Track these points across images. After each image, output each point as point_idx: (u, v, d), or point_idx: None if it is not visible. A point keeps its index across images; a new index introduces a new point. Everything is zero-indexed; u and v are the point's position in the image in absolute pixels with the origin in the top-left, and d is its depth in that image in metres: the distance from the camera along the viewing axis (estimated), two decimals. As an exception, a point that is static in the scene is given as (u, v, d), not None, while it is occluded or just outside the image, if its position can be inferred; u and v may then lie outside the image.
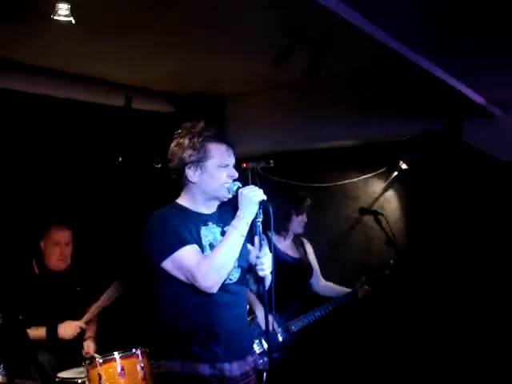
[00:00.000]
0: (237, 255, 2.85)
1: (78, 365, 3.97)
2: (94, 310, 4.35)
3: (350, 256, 5.73)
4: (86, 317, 4.35)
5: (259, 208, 2.84)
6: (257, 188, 2.87)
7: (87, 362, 3.78)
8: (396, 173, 5.61)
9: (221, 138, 2.95)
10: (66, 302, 4.40)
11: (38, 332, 4.14)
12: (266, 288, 2.88)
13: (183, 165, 2.90)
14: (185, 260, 2.78)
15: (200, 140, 2.88)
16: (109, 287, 4.30)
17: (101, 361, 3.69)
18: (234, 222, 2.85)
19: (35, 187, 4.94)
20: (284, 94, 5.53)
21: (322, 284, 4.78)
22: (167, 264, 2.80)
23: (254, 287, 3.30)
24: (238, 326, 2.96)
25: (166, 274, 2.84)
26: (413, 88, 4.92)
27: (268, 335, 2.99)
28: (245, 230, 2.84)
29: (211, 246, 2.88)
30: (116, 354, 3.72)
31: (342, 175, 5.84)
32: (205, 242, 2.89)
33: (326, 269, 4.92)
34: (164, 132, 5.11)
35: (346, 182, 5.84)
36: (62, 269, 4.47)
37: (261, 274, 2.86)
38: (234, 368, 2.89)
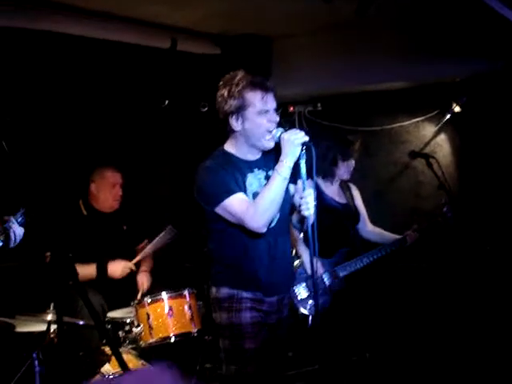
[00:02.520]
0: (281, 198, 3.01)
1: (127, 306, 4.05)
2: (145, 251, 4.40)
3: (400, 201, 5.65)
4: (137, 258, 4.40)
5: (301, 150, 2.93)
6: (298, 130, 2.97)
7: (136, 301, 3.85)
8: (448, 116, 5.46)
9: (257, 84, 3.03)
10: (114, 242, 4.45)
11: (87, 269, 4.17)
12: (310, 229, 2.92)
13: (226, 115, 3.06)
14: (234, 207, 3.00)
15: (237, 90, 3.01)
16: (161, 230, 4.33)
17: (149, 300, 3.76)
18: (277, 167, 2.98)
19: (81, 129, 4.95)
20: (332, 35, 5.36)
21: (369, 229, 4.69)
22: (218, 210, 3.04)
23: (297, 226, 3.33)
24: (277, 265, 3.17)
25: (217, 216, 3.07)
26: (467, 27, 4.73)
27: (314, 278, 3.04)
28: (287, 173, 2.97)
29: (255, 195, 3.09)
30: (164, 294, 3.79)
31: (391, 118, 5.71)
32: (249, 191, 3.11)
33: (374, 214, 4.82)
34: (210, 75, 5.08)
35: (396, 125, 5.71)
36: (115, 209, 4.52)
37: (306, 213, 2.95)
38: (272, 300, 3.18)
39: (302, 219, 3.09)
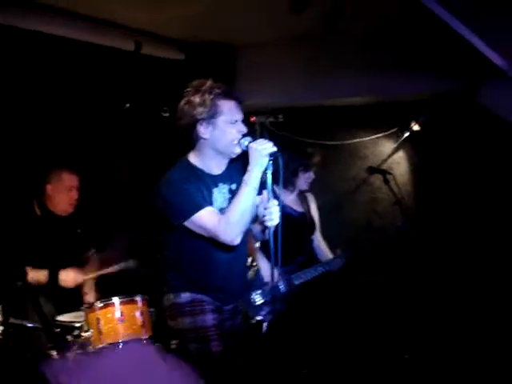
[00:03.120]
0: (251, 208, 3.04)
1: (77, 310, 3.97)
2: (103, 271, 4.34)
3: (355, 216, 5.70)
4: (92, 275, 4.35)
5: (269, 160, 2.95)
6: (266, 141, 2.99)
7: (86, 305, 3.77)
8: (407, 134, 5.53)
9: (230, 94, 3.09)
10: (67, 245, 4.37)
11: (39, 275, 4.09)
12: (273, 239, 2.94)
13: (194, 122, 3.04)
14: (204, 221, 3.01)
15: (210, 97, 3.02)
16: (112, 237, 4.29)
17: (100, 305, 3.68)
18: (245, 177, 3.00)
19: (39, 129, 4.86)
20: (297, 47, 5.39)
21: (318, 244, 4.76)
22: (187, 224, 3.04)
23: (259, 236, 3.34)
24: (235, 274, 3.24)
25: (181, 227, 3.05)
26: (430, 47, 4.81)
27: (273, 288, 3.05)
28: (256, 183, 2.99)
29: (221, 211, 3.09)
30: (115, 299, 3.72)
31: (351, 134, 5.76)
32: (215, 206, 3.11)
33: (330, 228, 4.88)
34: (173, 80, 5.06)
35: (356, 140, 5.76)
36: (69, 213, 4.44)
37: (269, 224, 2.97)
38: (228, 308, 3.25)
39: (264, 229, 3.15)
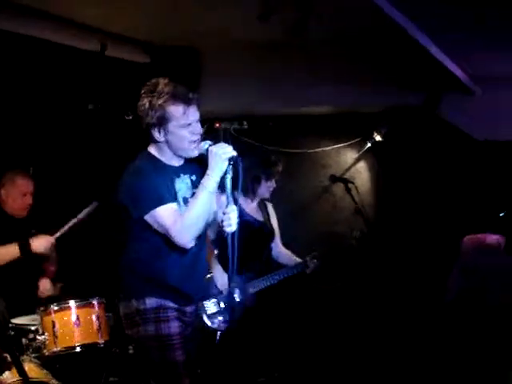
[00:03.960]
0: (208, 212, 3.00)
1: (32, 312, 3.90)
2: (68, 225, 4.26)
3: (317, 224, 5.74)
4: (60, 232, 4.25)
5: (228, 164, 2.90)
6: (226, 145, 2.95)
7: (41, 308, 3.71)
8: (369, 144, 5.59)
9: (179, 97, 2.97)
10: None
11: (9, 249, 4.02)
12: (231, 245, 2.91)
13: (148, 126, 2.99)
14: (162, 218, 2.94)
15: (158, 103, 2.93)
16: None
17: (55, 308, 3.64)
18: (203, 181, 2.94)
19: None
20: (262, 54, 5.37)
21: (279, 250, 4.76)
22: (147, 218, 2.96)
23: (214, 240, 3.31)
24: (197, 275, 3.19)
25: (144, 224, 2.98)
26: (394, 59, 4.86)
27: (230, 295, 3.04)
28: (214, 187, 2.94)
29: (185, 200, 3.05)
30: (72, 303, 3.68)
31: (314, 143, 5.81)
32: (179, 195, 3.05)
33: (290, 235, 4.90)
34: (138, 82, 5.00)
35: (319, 149, 5.81)
36: (23, 216, 4.36)
37: (227, 229, 2.92)
38: (191, 310, 3.19)
39: (221, 234, 3.08)
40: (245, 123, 5.79)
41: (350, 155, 5.75)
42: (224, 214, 2.94)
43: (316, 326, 5.30)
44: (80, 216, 4.25)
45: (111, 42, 4.95)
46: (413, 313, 5.11)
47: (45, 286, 4.28)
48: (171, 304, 3.07)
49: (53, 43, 4.53)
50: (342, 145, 5.75)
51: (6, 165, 4.46)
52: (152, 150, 3.10)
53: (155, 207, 2.92)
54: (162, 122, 2.95)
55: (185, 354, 3.05)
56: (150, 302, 3.04)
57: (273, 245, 4.70)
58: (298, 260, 4.64)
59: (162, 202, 2.94)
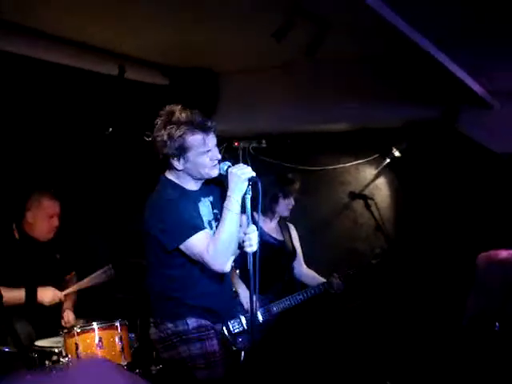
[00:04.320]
0: (236, 233, 3.00)
1: (56, 334, 3.92)
2: (80, 284, 4.29)
3: (337, 241, 5.72)
4: (69, 290, 4.28)
5: (248, 185, 2.94)
6: (245, 166, 2.99)
7: (65, 331, 3.74)
8: (388, 160, 5.57)
9: (197, 127, 3.01)
10: (45, 270, 4.31)
11: (15, 293, 4.02)
12: (251, 266, 2.93)
13: (167, 156, 3.05)
14: (197, 247, 2.98)
15: (177, 134, 2.97)
16: (94, 263, 4.24)
17: (78, 330, 3.66)
18: (226, 204, 2.98)
19: (19, 151, 4.83)
20: (280, 74, 5.43)
21: (302, 270, 4.77)
22: (181, 248, 3.01)
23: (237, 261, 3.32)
24: (223, 294, 3.27)
25: (175, 253, 3.03)
26: (411, 74, 4.86)
27: (253, 315, 3.04)
28: (237, 208, 2.97)
29: (209, 224, 3.12)
30: (95, 325, 3.70)
31: (333, 160, 5.79)
32: (205, 221, 3.12)
33: (310, 253, 4.90)
34: (157, 105, 5.05)
35: (337, 166, 5.80)
36: (48, 239, 4.36)
37: (248, 250, 2.94)
38: (219, 328, 3.29)
39: (243, 255, 3.09)
40: (263, 142, 5.80)
41: (369, 171, 5.73)
42: (245, 234, 2.96)
43: (337, 344, 5.25)
44: (93, 278, 4.26)
45: (129, 64, 5.02)
46: (433, 330, 5.05)
47: (68, 317, 4.28)
48: (209, 323, 3.17)
49: (72, 68, 4.60)
50: (360, 161, 5.73)
51: (27, 188, 4.51)
52: (170, 176, 3.14)
53: (189, 236, 2.96)
54: (182, 152, 3.00)
55: (224, 372, 3.13)
56: (191, 321, 3.13)
57: (295, 264, 4.70)
58: (322, 279, 4.62)
59: (195, 230, 2.98)
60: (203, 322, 3.14)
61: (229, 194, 2.96)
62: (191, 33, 4.44)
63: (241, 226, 3.12)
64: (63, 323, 4.22)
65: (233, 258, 3.03)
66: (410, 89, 4.95)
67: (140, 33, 4.46)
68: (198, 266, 3.06)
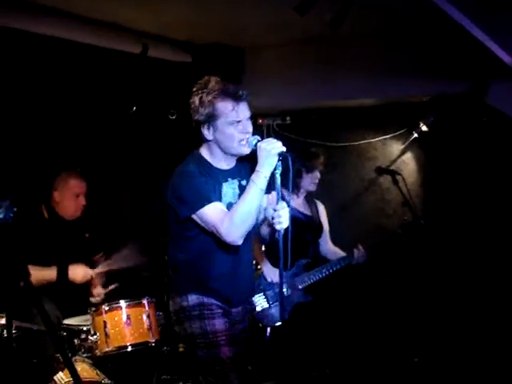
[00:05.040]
0: (257, 209, 2.92)
1: (83, 313, 3.95)
2: (110, 266, 4.30)
3: (364, 216, 5.68)
4: (100, 269, 4.30)
5: (278, 160, 2.85)
6: (275, 140, 2.88)
7: (93, 309, 3.77)
8: (415, 135, 5.50)
9: (228, 94, 2.94)
10: (75, 249, 4.33)
11: (47, 272, 4.03)
12: (282, 243, 2.87)
13: (198, 124, 2.99)
14: (210, 216, 2.91)
15: (208, 99, 2.92)
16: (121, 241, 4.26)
17: (106, 308, 3.68)
18: (253, 177, 2.89)
19: (46, 132, 4.85)
20: (304, 49, 5.36)
21: (328, 247, 4.75)
22: (194, 217, 2.95)
23: (266, 239, 3.27)
24: (241, 276, 3.13)
25: (189, 223, 2.98)
26: (439, 47, 4.77)
27: (281, 292, 2.97)
28: (264, 183, 2.88)
29: (229, 206, 3.00)
30: (122, 302, 3.72)
31: (359, 135, 5.74)
32: (224, 201, 3.02)
33: (337, 228, 4.87)
34: (180, 82, 5.04)
35: (364, 142, 5.74)
36: (77, 217, 4.39)
37: (278, 227, 2.87)
38: (237, 310, 3.16)
39: (273, 232, 3.04)
40: (287, 118, 5.77)
41: (396, 146, 5.66)
42: (274, 211, 2.88)
43: (365, 322, 5.24)
44: (121, 262, 4.25)
45: (153, 43, 4.99)
46: (461, 307, 5.01)
47: (98, 292, 4.32)
48: (214, 301, 3.06)
49: (96, 47, 4.59)
50: (387, 136, 5.67)
51: (53, 168, 4.53)
52: (203, 151, 3.09)
53: (202, 206, 2.90)
54: (211, 118, 2.93)
55: (232, 351, 3.02)
56: (192, 298, 3.05)
57: (321, 242, 4.68)
58: (344, 254, 4.60)
59: (209, 201, 2.91)
60: (205, 299, 3.04)
61: (257, 168, 2.87)
62: (214, 8, 4.40)
63: (270, 203, 3.07)
64: (93, 300, 4.25)
65: (246, 232, 2.93)
66: (438, 62, 4.87)
67: (162, 10, 4.43)
68: (211, 241, 2.99)
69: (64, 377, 3.43)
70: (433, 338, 5.02)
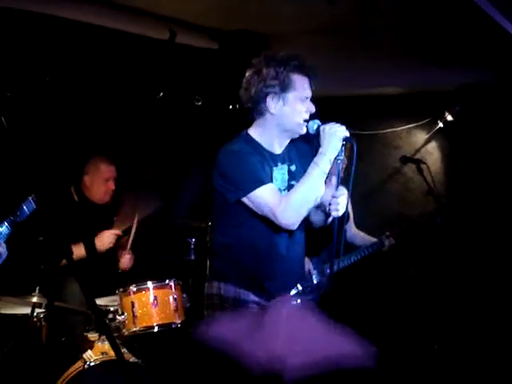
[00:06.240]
0: (318, 193, 2.79)
1: (112, 294, 4.03)
2: (133, 225, 4.39)
3: (387, 205, 5.70)
4: (122, 228, 4.40)
5: (342, 145, 2.78)
6: (339, 124, 2.82)
7: (121, 290, 3.85)
8: (441, 124, 5.49)
9: (305, 69, 2.88)
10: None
11: (77, 250, 4.11)
12: (337, 230, 2.78)
13: (264, 94, 2.85)
14: (265, 198, 2.76)
15: (285, 70, 2.83)
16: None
17: (134, 289, 3.76)
18: (316, 159, 2.78)
19: (76, 118, 4.93)
20: (330, 37, 5.33)
21: (354, 232, 4.75)
22: (245, 200, 2.80)
23: (318, 225, 3.19)
24: (291, 262, 2.99)
25: (237, 208, 2.83)
26: (465, 37, 4.74)
27: (332, 274, 2.97)
28: (327, 166, 2.77)
29: (279, 191, 2.87)
30: (149, 284, 3.79)
31: (384, 123, 5.75)
32: (275, 185, 2.88)
33: (361, 216, 4.87)
34: (206, 69, 5.07)
35: (389, 130, 5.75)
36: (106, 202, 4.48)
37: (334, 214, 2.79)
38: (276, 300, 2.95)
39: (326, 218, 2.93)
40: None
41: (421, 136, 5.67)
42: (333, 197, 2.79)
43: (387, 307, 5.27)
44: (143, 210, 4.35)
45: (180, 29, 5.02)
46: (483, 296, 5.01)
47: (126, 258, 4.41)
48: (251, 297, 2.89)
49: (124, 33, 4.64)
50: (412, 125, 5.67)
51: (81, 154, 4.61)
52: (252, 131, 2.96)
53: (256, 188, 2.75)
54: (284, 90, 2.82)
55: None
56: (229, 289, 2.89)
57: (347, 227, 4.69)
58: (372, 239, 4.61)
59: (262, 182, 2.77)
60: (242, 295, 2.87)
61: (321, 150, 2.77)
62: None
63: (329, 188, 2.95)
64: (122, 265, 4.37)
65: (303, 216, 2.80)
66: (464, 52, 4.84)
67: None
68: (261, 223, 2.82)
69: (93, 354, 3.52)
70: (453, 326, 5.03)
